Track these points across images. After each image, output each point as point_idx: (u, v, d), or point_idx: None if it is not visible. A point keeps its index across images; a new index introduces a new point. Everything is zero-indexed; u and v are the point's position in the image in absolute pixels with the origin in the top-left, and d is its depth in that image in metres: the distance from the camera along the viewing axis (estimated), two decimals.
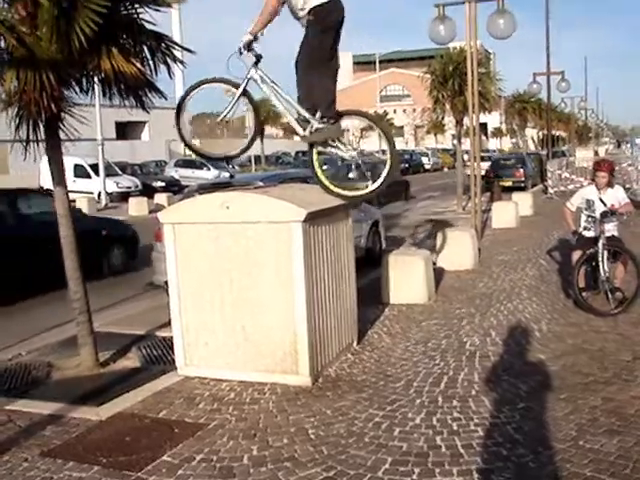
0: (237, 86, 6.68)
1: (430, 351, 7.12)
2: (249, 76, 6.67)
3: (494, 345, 7.22)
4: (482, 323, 8.12)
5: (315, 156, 6.91)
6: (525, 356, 6.84)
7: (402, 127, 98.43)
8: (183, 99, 6.90)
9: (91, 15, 6.09)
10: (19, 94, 6.40)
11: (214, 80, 6.87)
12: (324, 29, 6.39)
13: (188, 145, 7.33)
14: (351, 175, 7.14)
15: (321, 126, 6.58)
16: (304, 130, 6.65)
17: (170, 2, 6.93)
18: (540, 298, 9.25)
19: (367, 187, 6.93)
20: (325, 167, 8.12)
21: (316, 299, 6.30)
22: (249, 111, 6.86)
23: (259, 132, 6.84)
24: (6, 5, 6.52)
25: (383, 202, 25.76)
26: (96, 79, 7.02)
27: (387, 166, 6.74)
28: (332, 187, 6.92)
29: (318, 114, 6.55)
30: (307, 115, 6.59)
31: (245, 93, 6.73)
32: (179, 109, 6.91)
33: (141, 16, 6.76)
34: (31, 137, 6.93)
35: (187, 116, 7.48)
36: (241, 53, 6.49)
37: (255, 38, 6.43)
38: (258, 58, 6.63)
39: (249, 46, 6.45)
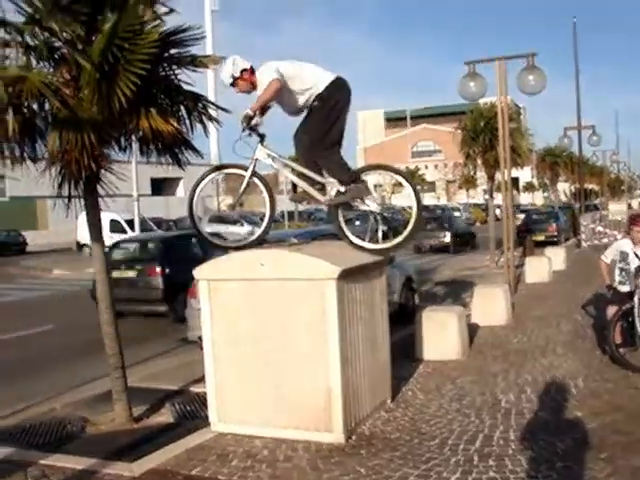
0: (246, 169, 6.77)
1: (465, 408, 7.03)
2: (255, 157, 6.73)
3: (530, 402, 7.11)
4: (517, 379, 8.01)
5: (339, 212, 6.89)
6: (562, 413, 6.72)
7: (434, 182, 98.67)
8: (194, 190, 6.93)
9: (131, 77, 6.32)
10: (61, 153, 6.60)
11: (223, 167, 7.12)
12: (331, 113, 6.54)
13: (200, 232, 7.23)
14: (378, 229, 7.02)
15: (343, 188, 6.63)
16: (324, 195, 6.70)
17: (207, 63, 7.14)
18: (576, 354, 9.11)
19: (391, 242, 6.94)
20: (357, 223, 8.18)
21: (350, 356, 6.29)
22: (264, 193, 6.82)
23: (273, 214, 6.91)
24: (51, 69, 6.78)
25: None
26: (134, 138, 7.22)
27: (412, 222, 6.79)
28: (358, 241, 6.91)
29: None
30: (323, 180, 6.67)
31: (255, 174, 6.77)
32: (191, 201, 6.96)
33: (179, 77, 6.97)
34: (71, 194, 7.12)
35: (200, 205, 7.74)
36: (244, 130, 6.47)
37: (253, 115, 6.41)
38: (262, 137, 6.70)
39: (249, 122, 6.40)
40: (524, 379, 8.00)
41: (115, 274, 13.41)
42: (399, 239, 6.87)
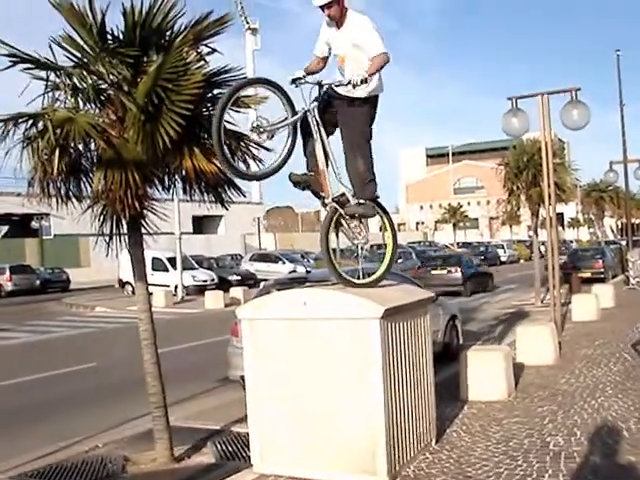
0: (293, 109, 6.17)
1: (512, 451, 6.84)
2: (307, 109, 6.17)
3: (579, 445, 6.90)
4: (565, 421, 7.79)
5: (331, 227, 6.47)
6: (614, 457, 6.50)
7: (476, 219, 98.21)
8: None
9: (175, 117, 6.41)
10: (106, 192, 6.70)
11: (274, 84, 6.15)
12: (373, 117, 6.42)
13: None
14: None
15: (354, 202, 6.39)
16: (330, 195, 6.36)
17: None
18: (627, 395, 8.84)
19: (371, 277, 6.77)
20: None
21: (394, 397, 6.18)
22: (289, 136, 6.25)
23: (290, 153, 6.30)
24: (98, 110, 6.91)
25: (470, 293, 27.91)
26: (178, 177, 7.30)
27: (388, 256, 6.76)
28: (339, 270, 6.53)
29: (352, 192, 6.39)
30: (346, 189, 6.41)
31: (295, 128, 6.25)
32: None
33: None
34: (114, 232, 7.20)
35: None
36: (352, 85, 5.88)
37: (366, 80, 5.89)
38: (320, 85, 6.21)
39: (364, 83, 5.84)
40: (573, 421, 7.78)
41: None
42: (378, 274, 6.78)
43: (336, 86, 6.20)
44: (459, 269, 29.04)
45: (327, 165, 6.29)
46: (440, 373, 9.30)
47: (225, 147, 5.69)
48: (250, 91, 6.83)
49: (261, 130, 5.96)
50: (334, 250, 6.60)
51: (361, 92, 6.16)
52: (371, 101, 6.37)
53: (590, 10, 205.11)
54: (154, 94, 6.48)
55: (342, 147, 6.41)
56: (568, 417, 7.95)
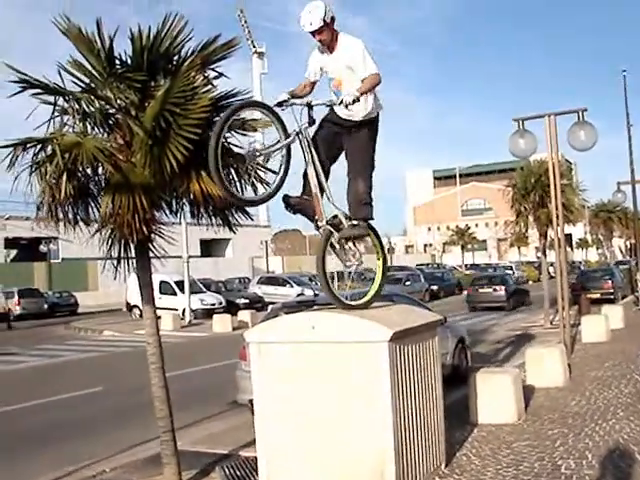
0: (285, 131, 6.13)
1: (522, 475, 6.77)
2: (298, 131, 6.14)
3: (591, 469, 6.82)
4: (577, 444, 7.71)
5: (327, 250, 6.43)
6: None
7: (485, 241, 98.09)
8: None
9: (182, 141, 6.43)
10: (114, 216, 6.71)
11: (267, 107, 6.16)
12: (375, 138, 6.44)
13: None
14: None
15: (347, 224, 6.36)
16: (324, 219, 6.33)
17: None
18: (638, 417, 8.75)
19: (362, 299, 6.76)
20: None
21: (403, 420, 6.14)
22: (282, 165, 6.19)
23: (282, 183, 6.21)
24: (105, 135, 6.95)
25: (512, 307, 31.38)
26: (185, 201, 7.31)
27: (379, 278, 6.78)
28: (335, 292, 6.48)
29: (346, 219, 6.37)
30: (339, 211, 6.39)
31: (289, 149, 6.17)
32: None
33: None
34: (122, 256, 7.20)
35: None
36: (332, 105, 6.09)
37: (291, 98, 6.05)
38: (312, 121, 6.21)
39: (354, 103, 5.86)
40: (584, 444, 7.69)
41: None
42: (368, 296, 6.76)
43: (327, 106, 6.23)
44: (503, 287, 32.28)
45: (319, 188, 6.27)
46: (449, 396, 9.23)
47: (222, 173, 5.65)
48: (257, 115, 6.84)
49: (257, 154, 5.99)
50: (339, 273, 6.63)
51: (359, 117, 6.23)
52: (371, 122, 6.39)
53: (596, 30, 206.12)
54: (161, 118, 6.51)
55: (346, 170, 6.43)
56: (579, 440, 7.87)
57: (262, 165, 7.30)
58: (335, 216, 6.39)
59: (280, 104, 6.12)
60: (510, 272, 57.34)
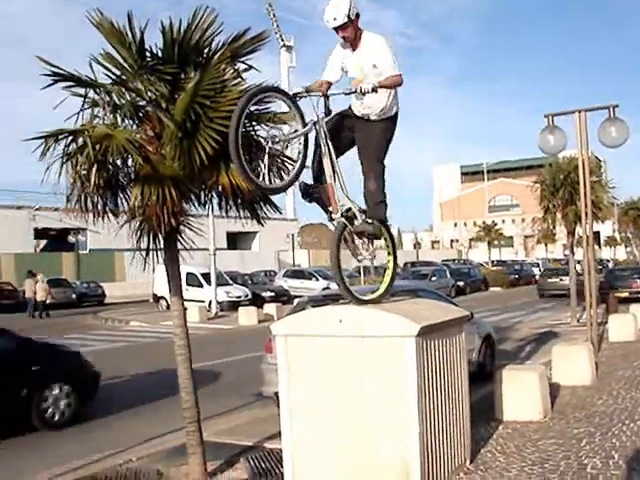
0: (303, 120, 6.04)
1: (548, 473, 6.73)
2: (315, 120, 6.05)
3: (618, 469, 6.76)
4: (603, 444, 7.64)
5: (341, 243, 6.38)
6: None
7: (511, 237, 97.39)
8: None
9: (212, 134, 6.46)
10: (142, 208, 6.76)
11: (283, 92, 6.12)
12: (390, 138, 6.38)
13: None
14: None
15: (361, 218, 6.31)
16: (338, 211, 6.25)
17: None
18: None
19: (375, 293, 6.72)
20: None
21: (429, 415, 6.12)
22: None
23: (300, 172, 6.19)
24: (135, 127, 7.00)
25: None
26: (214, 193, 7.34)
27: (390, 274, 6.71)
28: (348, 285, 6.48)
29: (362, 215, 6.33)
30: (354, 205, 6.34)
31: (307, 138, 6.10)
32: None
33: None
34: (150, 247, 7.25)
35: None
36: (349, 93, 6.03)
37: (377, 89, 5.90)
38: (329, 111, 6.17)
39: (371, 92, 5.82)
40: (611, 444, 7.63)
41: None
42: (379, 292, 6.71)
43: (345, 94, 6.15)
44: (567, 277, 32.47)
45: (335, 179, 6.22)
46: (474, 392, 9.19)
47: (244, 158, 5.63)
48: (284, 107, 6.83)
49: (276, 140, 5.97)
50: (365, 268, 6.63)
51: (375, 114, 6.22)
52: (386, 121, 6.33)
53: (629, 25, 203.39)
54: (191, 111, 6.55)
55: (361, 169, 6.38)
56: (606, 439, 7.80)
57: (290, 158, 7.31)
58: (349, 209, 6.34)
59: (295, 95, 6.09)
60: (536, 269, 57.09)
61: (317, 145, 6.21)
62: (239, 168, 5.57)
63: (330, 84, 6.24)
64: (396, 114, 6.39)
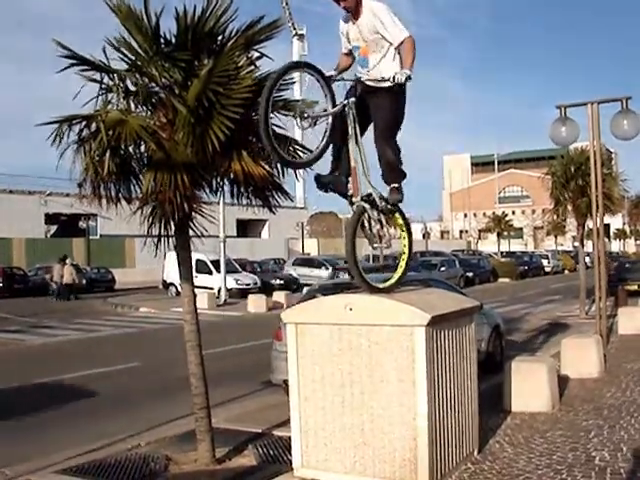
0: (333, 100, 6.06)
1: (556, 464, 6.73)
2: (345, 103, 6.09)
3: (626, 461, 6.75)
4: (612, 436, 7.64)
5: (357, 229, 6.35)
6: None
7: (521, 229, 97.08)
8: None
9: (225, 121, 6.47)
10: (155, 194, 6.78)
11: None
12: (403, 103, 6.29)
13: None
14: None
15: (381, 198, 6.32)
16: (359, 194, 6.25)
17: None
18: None
19: (387, 282, 6.72)
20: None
21: (437, 405, 6.14)
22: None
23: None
24: (149, 113, 7.02)
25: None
26: (227, 180, 7.35)
27: (403, 264, 6.68)
28: (362, 273, 6.43)
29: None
30: (374, 191, 6.34)
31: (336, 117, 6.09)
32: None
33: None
34: (162, 234, 7.27)
35: None
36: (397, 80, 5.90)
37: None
38: (360, 82, 6.17)
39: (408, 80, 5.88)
40: (620, 436, 7.62)
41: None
42: (394, 279, 6.70)
43: (379, 81, 6.11)
44: None
45: (358, 162, 6.20)
46: (483, 383, 9.19)
47: (271, 134, 5.63)
48: (297, 95, 6.81)
49: (305, 116, 5.95)
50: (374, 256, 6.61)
51: (385, 82, 6.06)
52: (397, 87, 6.12)
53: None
54: (205, 97, 6.56)
55: (374, 139, 6.29)
56: (614, 432, 7.79)
57: (302, 146, 7.29)
58: (370, 194, 6.33)
59: (329, 77, 6.09)
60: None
61: (334, 128, 6.16)
62: (266, 139, 5.55)
63: (348, 55, 6.30)
64: (408, 77, 6.04)
